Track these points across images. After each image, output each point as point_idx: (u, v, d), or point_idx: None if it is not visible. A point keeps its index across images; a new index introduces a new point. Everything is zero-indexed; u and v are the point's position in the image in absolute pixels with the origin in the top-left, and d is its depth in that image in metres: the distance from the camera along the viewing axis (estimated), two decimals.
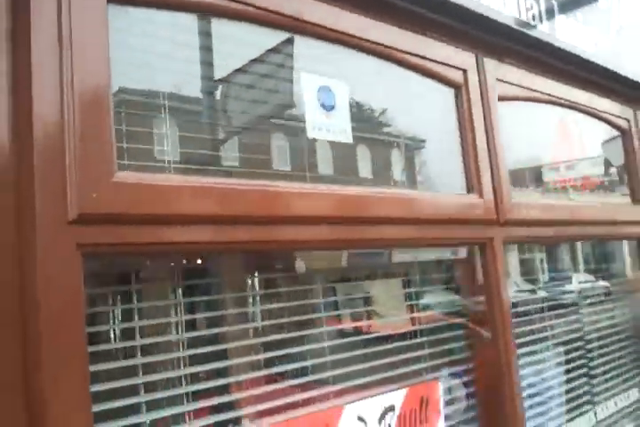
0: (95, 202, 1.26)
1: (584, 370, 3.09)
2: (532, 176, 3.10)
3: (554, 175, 3.29)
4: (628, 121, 3.46)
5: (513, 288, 3.55)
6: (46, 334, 1.18)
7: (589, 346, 3.17)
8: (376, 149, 2.39)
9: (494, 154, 2.36)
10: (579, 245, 4.19)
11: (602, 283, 3.51)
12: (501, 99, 2.49)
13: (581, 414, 2.94)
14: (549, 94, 2.82)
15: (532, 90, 2.71)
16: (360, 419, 1.81)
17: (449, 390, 2.23)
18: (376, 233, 1.91)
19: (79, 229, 1.25)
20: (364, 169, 2.35)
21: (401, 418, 1.93)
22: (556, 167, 3.34)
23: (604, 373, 3.21)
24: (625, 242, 4.10)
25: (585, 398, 3.02)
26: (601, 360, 3.21)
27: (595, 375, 3.14)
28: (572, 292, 3.18)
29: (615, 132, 3.92)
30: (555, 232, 2.66)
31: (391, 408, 1.91)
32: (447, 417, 2.15)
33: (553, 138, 3.18)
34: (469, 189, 2.29)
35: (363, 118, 2.20)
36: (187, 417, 1.56)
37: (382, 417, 1.88)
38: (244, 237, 1.54)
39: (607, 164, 4.39)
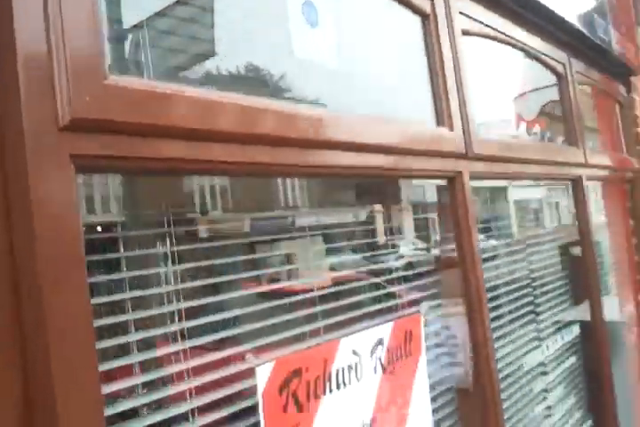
0: (88, 106, 1.09)
1: (530, 307, 3.19)
2: None
3: None
4: (564, 66, 3.53)
5: (410, 247, 3.59)
6: (42, 262, 1.01)
7: (533, 284, 3.29)
8: None
9: (461, 86, 2.31)
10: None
11: (492, 242, 3.62)
12: (463, 33, 2.44)
13: (534, 348, 3.05)
14: (499, 30, 2.80)
15: (486, 25, 2.68)
16: (354, 353, 1.75)
17: None
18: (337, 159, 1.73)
19: (72, 138, 1.07)
20: None
21: (389, 351, 1.89)
22: None
23: (549, 309, 3.34)
24: (512, 203, 4.26)
25: (534, 335, 3.14)
26: (543, 299, 3.34)
27: (539, 313, 3.26)
28: None
29: (528, 87, 4.01)
30: (516, 169, 2.68)
31: (380, 342, 1.86)
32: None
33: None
34: (439, 122, 2.24)
35: None
36: (182, 356, 1.45)
37: (373, 351, 1.83)
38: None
39: (519, 119, 4.49)
